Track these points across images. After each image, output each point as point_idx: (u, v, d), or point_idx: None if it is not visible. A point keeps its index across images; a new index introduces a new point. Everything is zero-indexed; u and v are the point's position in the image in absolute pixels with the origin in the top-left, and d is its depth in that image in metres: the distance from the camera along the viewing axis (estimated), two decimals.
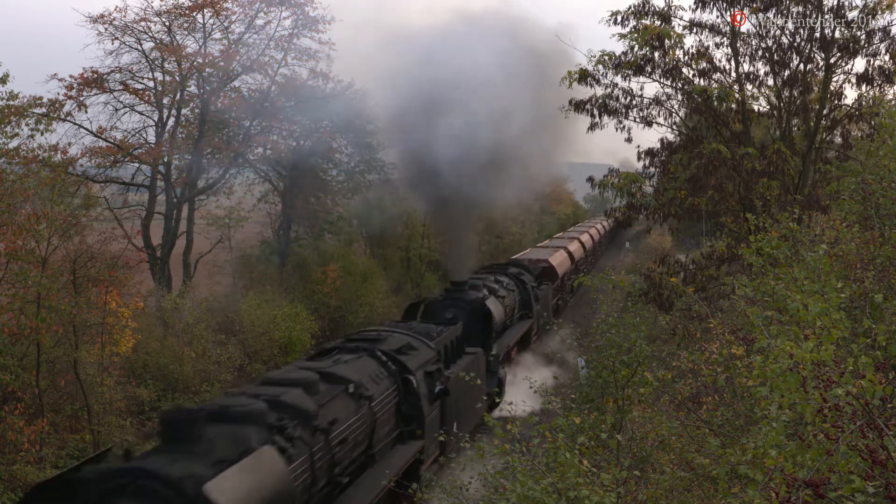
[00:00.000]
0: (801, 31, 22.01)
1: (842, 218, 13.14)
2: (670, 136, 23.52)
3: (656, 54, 21.73)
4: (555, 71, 23.14)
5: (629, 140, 23.04)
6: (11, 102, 22.52)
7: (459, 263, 26.20)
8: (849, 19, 21.51)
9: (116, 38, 29.00)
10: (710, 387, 11.37)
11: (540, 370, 25.86)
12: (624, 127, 22.63)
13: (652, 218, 23.01)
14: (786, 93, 22.98)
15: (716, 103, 21.69)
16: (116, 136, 28.94)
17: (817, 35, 21.71)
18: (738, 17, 22.04)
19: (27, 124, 24.12)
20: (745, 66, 22.98)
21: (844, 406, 5.08)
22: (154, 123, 30.15)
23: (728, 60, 22.91)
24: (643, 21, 21.80)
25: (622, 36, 21.66)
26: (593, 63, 21.90)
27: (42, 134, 24.49)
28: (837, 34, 21.68)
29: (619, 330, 11.91)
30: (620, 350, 11.39)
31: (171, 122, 30.39)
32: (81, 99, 28.03)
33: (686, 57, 22.25)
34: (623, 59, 21.81)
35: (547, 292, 34.01)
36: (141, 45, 29.44)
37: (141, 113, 29.91)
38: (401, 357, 15.13)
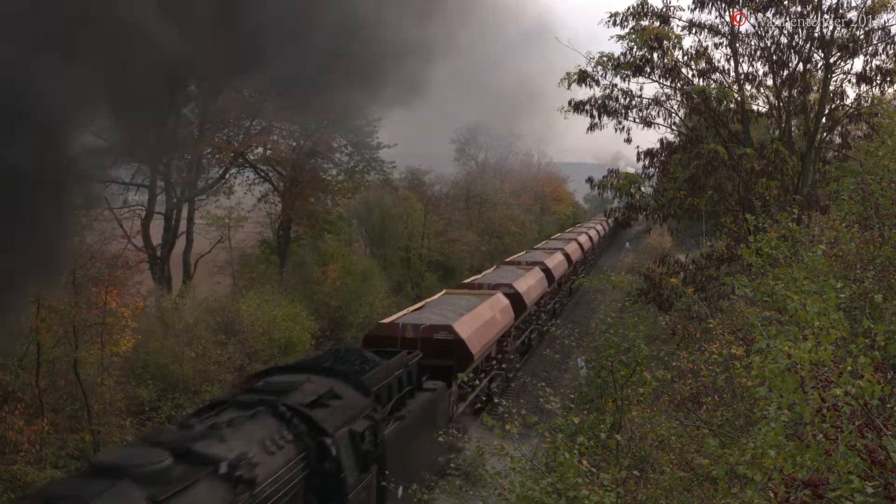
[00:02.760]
0: (800, 31, 22.04)
1: (841, 218, 13.15)
2: (670, 137, 23.56)
3: (655, 55, 21.77)
4: None
5: (629, 140, 23.10)
6: None
7: None
8: (848, 19, 21.55)
9: None
10: (710, 387, 11.38)
11: None
12: (623, 127, 22.68)
13: (652, 218, 23.04)
14: (785, 93, 23.00)
15: (714, 104, 21.72)
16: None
17: (816, 35, 21.74)
18: (738, 17, 22.08)
19: None
20: (745, 67, 23.03)
21: (843, 406, 5.09)
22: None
23: (727, 60, 22.96)
24: (642, 22, 21.83)
25: (621, 37, 21.71)
26: (592, 64, 21.96)
27: None
28: (836, 34, 21.70)
29: (618, 330, 11.92)
30: (619, 350, 11.40)
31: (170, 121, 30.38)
32: None
33: (685, 57, 22.30)
34: (622, 59, 21.85)
35: (428, 414, 15.56)
36: None
37: None
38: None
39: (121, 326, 20.05)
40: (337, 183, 35.68)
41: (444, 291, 27.21)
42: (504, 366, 25.22)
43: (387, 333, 19.56)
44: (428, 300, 24.78)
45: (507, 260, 38.75)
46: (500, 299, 25.60)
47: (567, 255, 44.09)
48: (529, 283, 30.73)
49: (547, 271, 35.21)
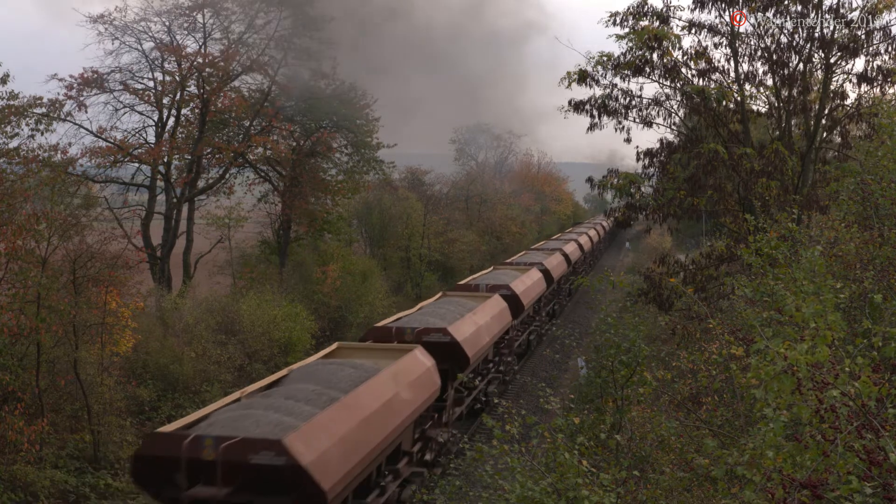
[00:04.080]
0: (800, 31, 22.04)
1: (841, 218, 13.16)
2: (670, 137, 23.56)
3: (654, 55, 21.78)
4: None
5: (628, 140, 23.11)
6: (11, 102, 22.61)
7: None
8: (848, 19, 21.54)
9: (116, 38, 29.08)
10: (710, 387, 11.39)
11: None
12: (623, 127, 22.69)
13: (651, 218, 23.06)
14: (785, 92, 22.99)
15: (714, 104, 21.73)
16: (116, 136, 29.02)
17: (817, 35, 21.73)
18: (738, 17, 22.07)
19: (27, 124, 24.23)
20: (744, 66, 23.02)
21: (840, 407, 5.09)
22: (154, 123, 30.19)
23: (727, 60, 22.95)
24: (641, 22, 21.84)
25: (620, 37, 21.72)
26: (592, 64, 21.97)
27: (42, 134, 24.65)
28: (837, 34, 21.69)
29: (618, 330, 11.92)
30: (619, 350, 11.40)
31: (171, 122, 30.44)
32: (81, 99, 28.08)
33: (685, 57, 22.29)
34: (622, 59, 21.86)
35: None
36: (141, 45, 29.51)
37: (141, 113, 29.99)
38: None
39: (121, 326, 20.06)
40: (337, 183, 35.69)
41: (335, 345, 16.77)
42: (428, 457, 16.56)
43: (167, 453, 10.54)
44: (305, 362, 14.86)
45: (459, 283, 28.35)
46: (419, 361, 15.76)
47: (546, 270, 33.66)
48: (478, 324, 20.49)
49: (513, 298, 25.75)
